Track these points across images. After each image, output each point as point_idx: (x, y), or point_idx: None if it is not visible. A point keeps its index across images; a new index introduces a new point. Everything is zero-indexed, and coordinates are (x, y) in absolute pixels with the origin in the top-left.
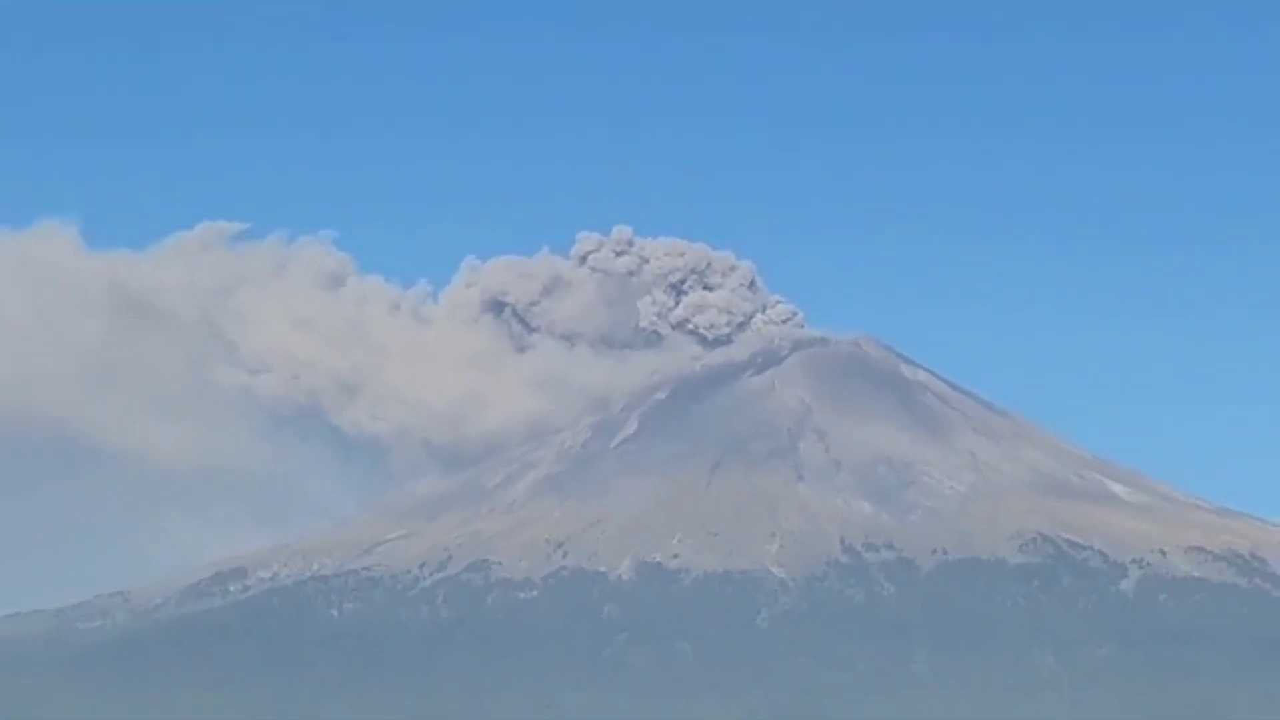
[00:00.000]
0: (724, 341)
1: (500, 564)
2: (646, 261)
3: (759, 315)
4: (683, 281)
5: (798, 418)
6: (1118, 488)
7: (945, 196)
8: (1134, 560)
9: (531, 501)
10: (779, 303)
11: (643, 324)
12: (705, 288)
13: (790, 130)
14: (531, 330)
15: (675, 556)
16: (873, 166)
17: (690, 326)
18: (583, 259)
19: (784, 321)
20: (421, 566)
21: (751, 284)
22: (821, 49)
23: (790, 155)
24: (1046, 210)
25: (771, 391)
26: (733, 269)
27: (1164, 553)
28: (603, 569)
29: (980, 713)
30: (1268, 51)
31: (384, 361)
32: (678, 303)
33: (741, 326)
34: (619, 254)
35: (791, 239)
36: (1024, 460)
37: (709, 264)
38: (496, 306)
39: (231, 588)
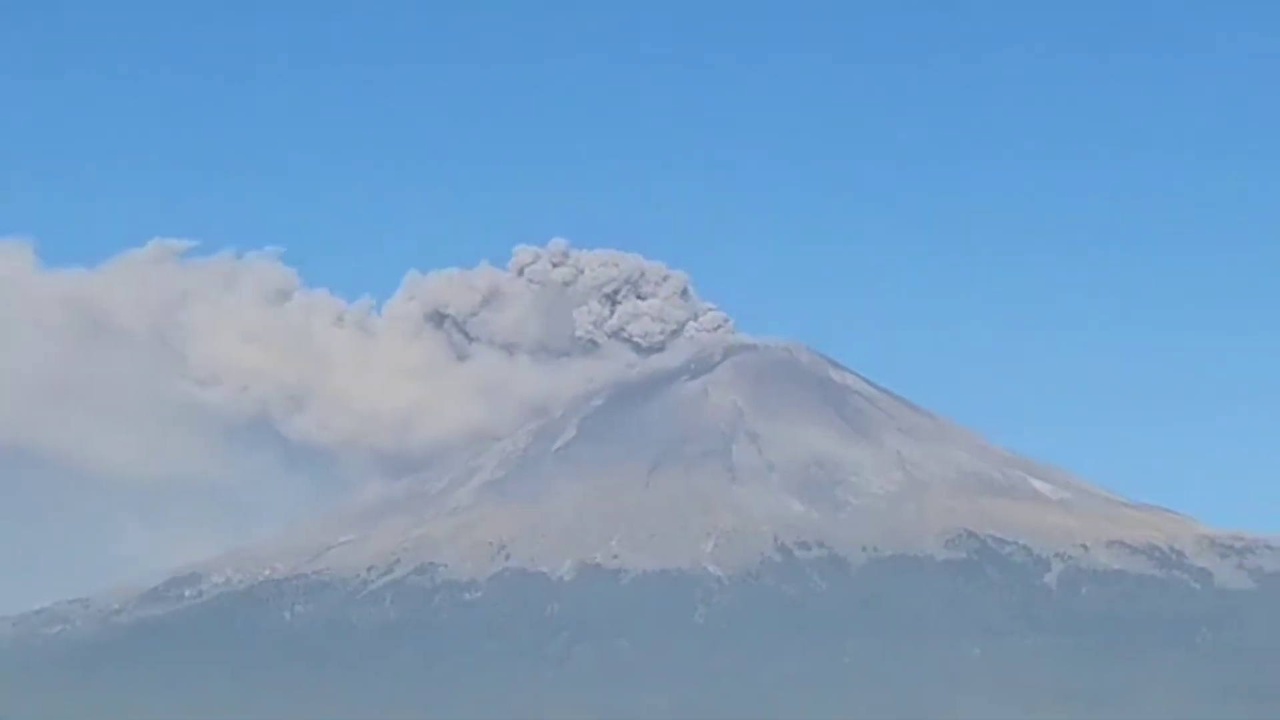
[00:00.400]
0: (658, 349)
1: (445, 566)
2: (582, 272)
3: (691, 323)
4: (617, 291)
5: (731, 421)
6: (1040, 484)
7: (869, 204)
8: (1057, 554)
9: (475, 505)
10: (710, 310)
11: (579, 333)
12: (639, 297)
13: (719, 143)
14: (472, 340)
15: (614, 557)
16: (800, 176)
17: (625, 335)
18: (520, 271)
19: (715, 329)
20: (370, 569)
21: (684, 292)
22: (750, 61)
23: (721, 167)
24: (969, 214)
25: (705, 396)
26: (665, 278)
27: (1086, 547)
28: (544, 569)
29: (910, 703)
30: (1222, 57)
31: (330, 372)
32: (613, 312)
33: (675, 334)
34: (555, 265)
35: (722, 248)
36: (949, 459)
37: (642, 274)
38: (437, 318)
39: (187, 593)
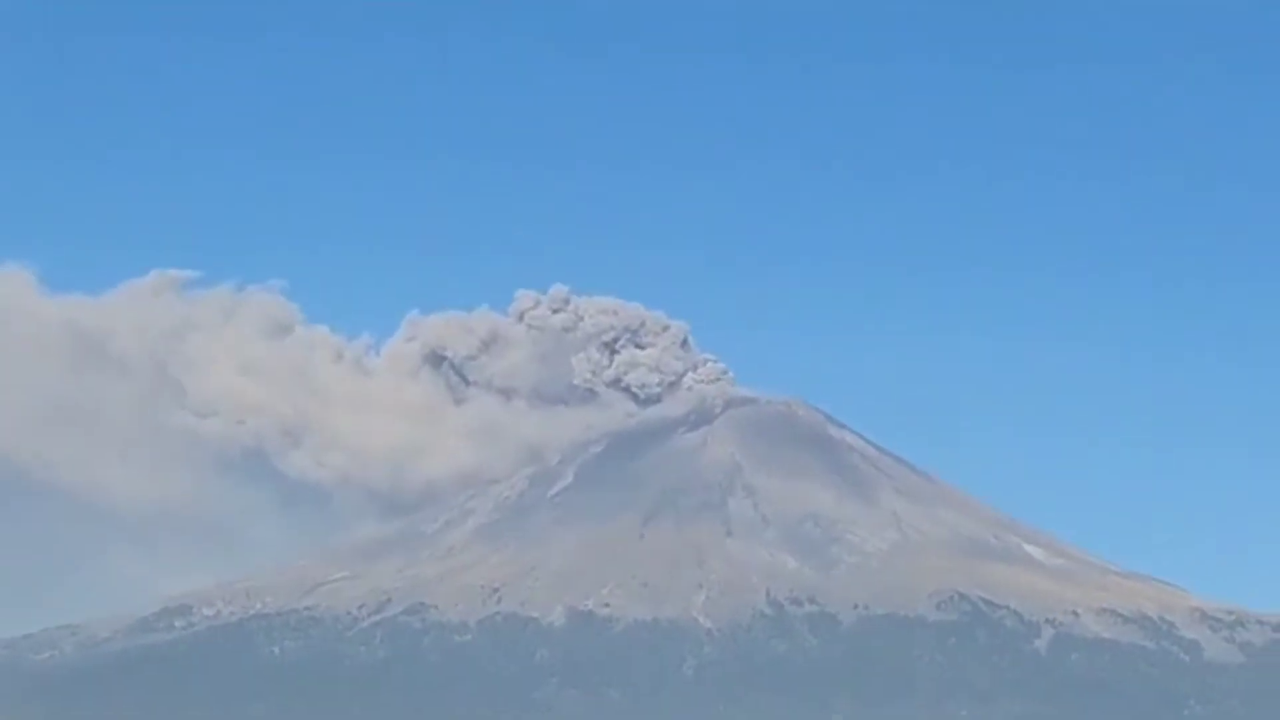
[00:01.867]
0: (655, 400)
1: (437, 607)
2: (581, 319)
3: (690, 374)
4: (616, 340)
5: (728, 474)
6: (1033, 550)
7: (872, 262)
8: (1048, 620)
9: (469, 548)
10: (709, 361)
11: (577, 381)
12: (637, 346)
13: (724, 195)
14: (469, 384)
15: (606, 605)
16: (804, 232)
17: (623, 384)
18: (520, 316)
19: (714, 380)
20: (361, 608)
21: (684, 343)
22: (748, 107)
23: (725, 219)
24: (969, 278)
25: (703, 448)
26: (665, 329)
27: (1076, 614)
28: (536, 615)
29: None
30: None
31: (327, 409)
32: (611, 361)
33: (673, 385)
34: (555, 311)
35: (724, 301)
36: (944, 521)
37: (642, 323)
38: (436, 360)
39: (177, 623)
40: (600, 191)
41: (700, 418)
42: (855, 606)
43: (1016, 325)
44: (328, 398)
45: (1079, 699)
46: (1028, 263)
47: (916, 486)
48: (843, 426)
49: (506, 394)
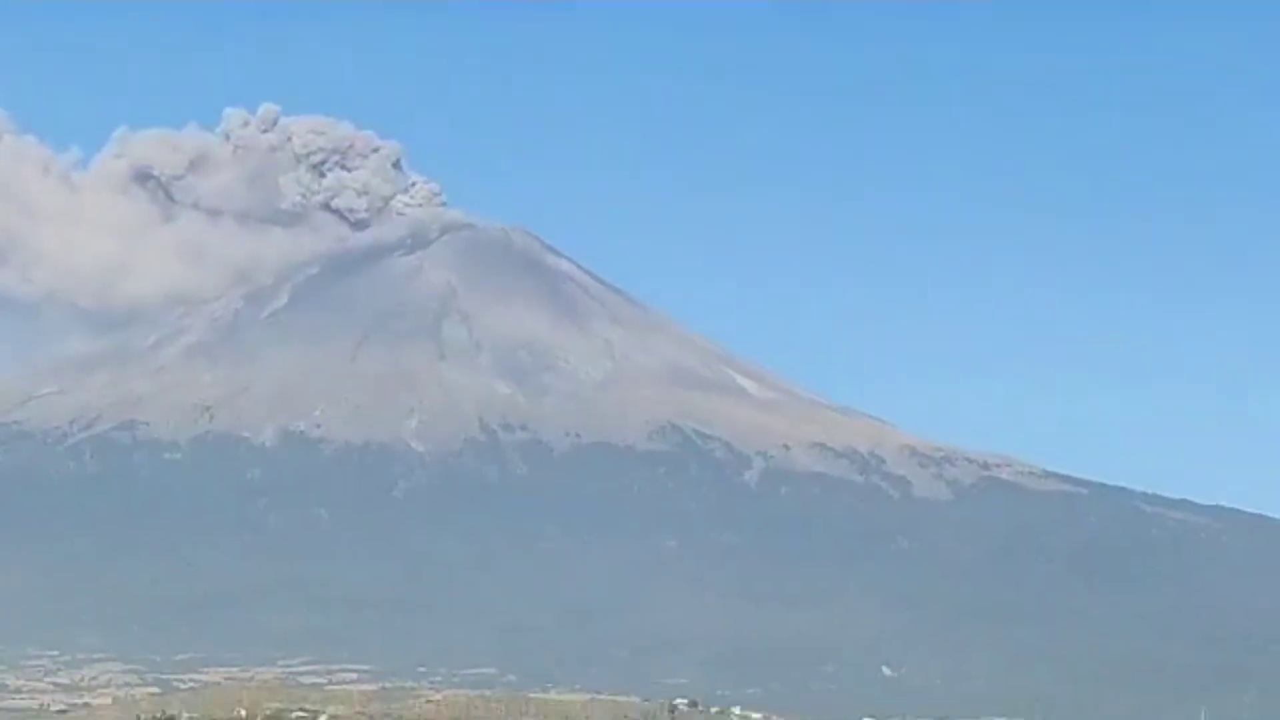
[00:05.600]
0: (365, 225)
1: (148, 424)
2: (290, 139)
3: (400, 196)
4: (324, 162)
5: (442, 299)
6: (747, 383)
7: (588, 83)
8: (759, 453)
9: (181, 366)
10: (420, 183)
11: (285, 204)
12: (344, 168)
13: (441, 12)
14: (176, 202)
15: (318, 426)
16: (523, 48)
17: (333, 207)
18: (228, 135)
19: (426, 202)
20: (71, 423)
21: (396, 164)
22: None
23: (440, 41)
24: (686, 109)
25: (419, 272)
26: (376, 150)
27: (787, 447)
28: (247, 434)
29: (604, 589)
30: None
31: (34, 224)
32: (320, 183)
33: (381, 210)
34: (264, 131)
35: (440, 121)
36: (659, 351)
37: (351, 144)
38: (144, 177)
39: None
40: (315, 9)
41: (416, 242)
42: (567, 434)
43: (735, 156)
44: (35, 212)
45: (788, 531)
46: (752, 100)
47: (631, 316)
48: (559, 254)
49: (214, 214)
